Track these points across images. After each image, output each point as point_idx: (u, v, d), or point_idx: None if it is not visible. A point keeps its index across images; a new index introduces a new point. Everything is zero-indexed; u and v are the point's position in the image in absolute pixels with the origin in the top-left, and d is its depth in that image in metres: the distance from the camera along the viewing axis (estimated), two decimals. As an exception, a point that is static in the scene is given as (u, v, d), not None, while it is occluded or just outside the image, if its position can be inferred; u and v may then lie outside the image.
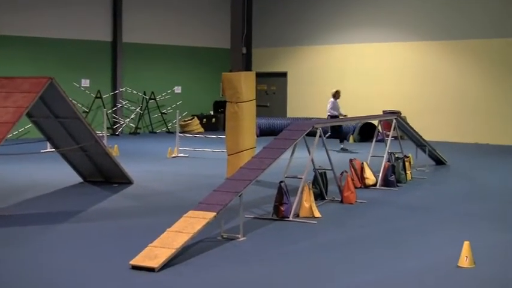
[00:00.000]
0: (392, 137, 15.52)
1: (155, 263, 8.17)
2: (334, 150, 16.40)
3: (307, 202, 11.29)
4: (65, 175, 15.05)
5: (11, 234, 10.22)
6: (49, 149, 17.96)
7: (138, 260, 8.29)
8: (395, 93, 26.70)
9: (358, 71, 27.86)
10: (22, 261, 8.73)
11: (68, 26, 26.18)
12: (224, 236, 9.77)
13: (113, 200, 13.00)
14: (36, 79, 12.63)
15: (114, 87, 27.66)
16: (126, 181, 14.53)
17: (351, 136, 24.87)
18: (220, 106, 29.26)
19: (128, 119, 27.92)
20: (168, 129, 28.57)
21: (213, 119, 29.84)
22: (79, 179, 14.85)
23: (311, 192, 11.41)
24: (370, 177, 14.39)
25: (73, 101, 13.29)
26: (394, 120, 15.85)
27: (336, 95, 21.75)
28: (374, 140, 15.78)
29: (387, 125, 16.84)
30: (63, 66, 25.60)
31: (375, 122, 19.33)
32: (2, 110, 11.94)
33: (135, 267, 8.20)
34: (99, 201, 12.80)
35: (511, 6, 24.30)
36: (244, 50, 28.97)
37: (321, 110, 27.84)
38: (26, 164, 17.16)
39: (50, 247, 9.48)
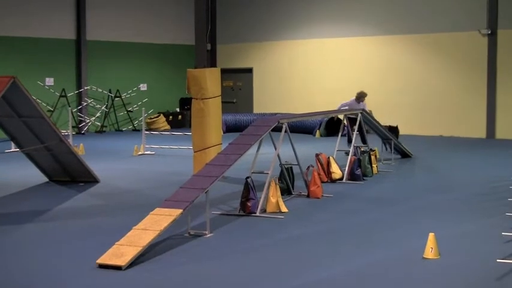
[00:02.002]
0: (357, 131, 15.60)
1: (122, 261, 8.14)
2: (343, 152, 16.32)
3: (273, 197, 11.32)
4: (30, 175, 14.94)
5: (-24, 235, 10.12)
6: (13, 148, 17.81)
7: (105, 259, 8.25)
8: (360, 87, 26.79)
9: (323, 66, 27.96)
10: (-13, 263, 8.66)
11: (31, 24, 25.92)
12: (191, 233, 9.77)
13: (79, 199, 12.93)
14: (-1, 78, 12.52)
15: (79, 85, 27.46)
16: (92, 180, 14.46)
17: (317, 131, 24.95)
18: (186, 103, 29.22)
19: (94, 118, 27.74)
20: (134, 127, 28.46)
21: (179, 116, 29.78)
22: (44, 179, 14.74)
23: (278, 187, 11.44)
24: (336, 171, 14.47)
25: (37, 100, 13.20)
26: (360, 115, 15.93)
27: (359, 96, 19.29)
28: (340, 134, 15.87)
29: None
30: (26, 65, 25.37)
31: (340, 117, 19.45)
32: (-36, 110, 11.82)
33: (102, 266, 8.17)
34: (65, 201, 12.72)
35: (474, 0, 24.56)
36: (208, 47, 29.00)
37: (287, 105, 28.02)
38: (-10, 165, 17.00)
39: (15, 247, 9.40)
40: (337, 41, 27.68)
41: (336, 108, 19.50)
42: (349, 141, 16.92)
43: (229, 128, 25.95)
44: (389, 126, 19.31)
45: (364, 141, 16.58)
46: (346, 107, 18.71)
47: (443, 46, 25.27)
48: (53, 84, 26.58)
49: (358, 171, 14.58)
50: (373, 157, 15.52)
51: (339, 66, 27.54)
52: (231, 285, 7.65)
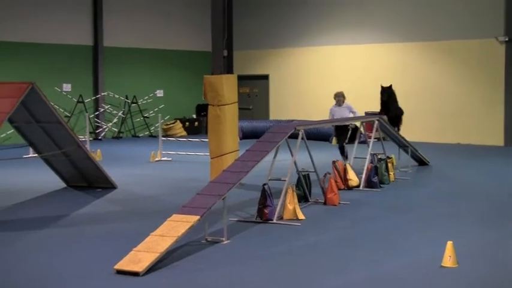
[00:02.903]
0: (374, 138, 15.57)
1: (139, 267, 8.16)
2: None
3: (290, 204, 11.32)
4: (48, 180, 15.00)
5: (-6, 240, 10.18)
6: (32, 154, 17.89)
7: (123, 265, 8.28)
8: (377, 95, 26.74)
9: (339, 73, 27.92)
10: (2, 268, 8.69)
11: (49, 30, 26.07)
12: (208, 239, 9.78)
13: (97, 205, 12.97)
14: (17, 84, 12.59)
15: (96, 91, 27.58)
16: (109, 186, 14.50)
17: (334, 138, 24.88)
18: (202, 109, 29.25)
19: (110, 124, 27.84)
20: (151, 133, 28.52)
21: (196, 123, 29.82)
22: (62, 184, 14.80)
23: (295, 194, 11.44)
24: (353, 178, 14.44)
25: (55, 105, 13.27)
26: (377, 122, 15.90)
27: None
28: (357, 141, 15.84)
29: (370, 127, 16.88)
30: (44, 71, 25.50)
31: (358, 124, 19.40)
32: (-17, 115, 11.89)
33: (120, 272, 8.19)
34: (83, 206, 12.77)
35: (492, 7, 24.44)
36: (225, 53, 29.01)
37: (302, 112, 27.99)
38: (8, 170, 17.09)
39: (33, 252, 9.44)
40: (353, 47, 27.64)
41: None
42: (342, 153, 16.77)
43: (246, 135, 25.95)
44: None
45: (341, 151, 16.73)
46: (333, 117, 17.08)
47: (459, 53, 25.17)
48: (70, 90, 26.70)
49: (375, 179, 14.55)
50: (390, 164, 15.47)
51: (355, 73, 27.49)
52: (248, 292, 7.65)
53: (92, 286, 7.86)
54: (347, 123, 16.75)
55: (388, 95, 17.79)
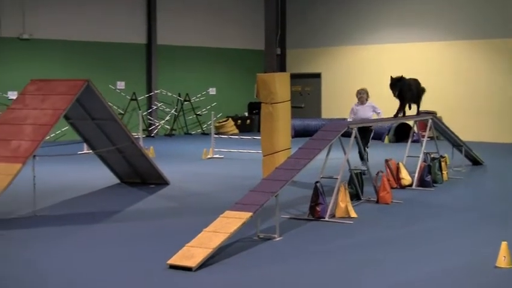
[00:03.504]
0: (428, 137, 15.43)
1: (192, 263, 8.22)
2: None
3: (343, 202, 11.29)
4: (102, 176, 15.19)
5: (49, 233, 10.35)
6: (86, 150, 18.14)
7: (176, 260, 8.35)
8: (430, 93, 26.43)
9: (392, 71, 27.64)
10: (58, 260, 8.85)
11: (103, 28, 26.41)
12: (260, 236, 9.81)
13: (150, 201, 13.11)
14: (73, 81, 12.79)
15: (149, 89, 27.84)
16: (162, 182, 14.62)
17: (386, 137, 24.77)
18: (254, 107, 29.31)
19: (163, 121, 28.08)
20: (203, 130, 28.68)
21: (248, 120, 29.90)
22: (116, 180, 14.98)
23: (347, 192, 11.40)
24: (405, 177, 14.33)
25: (108, 103, 13.42)
26: (430, 120, 15.75)
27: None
28: (409, 140, 15.70)
29: (423, 125, 16.73)
30: (98, 69, 25.81)
31: (410, 123, 19.24)
32: (40, 112, 12.10)
33: (173, 267, 8.26)
34: (136, 202, 12.91)
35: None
36: (278, 51, 29.01)
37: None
38: (63, 166, 17.35)
39: (87, 246, 9.59)
40: (405, 46, 27.41)
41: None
42: (361, 158, 14.55)
43: (298, 133, 25.91)
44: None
45: (361, 156, 14.47)
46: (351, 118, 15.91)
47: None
48: (124, 87, 27.01)
49: (428, 178, 14.42)
50: (443, 164, 15.32)
51: (407, 72, 27.15)
52: (300, 289, 7.66)
53: (145, 281, 7.94)
54: (369, 125, 15.42)
55: (399, 88, 15.14)
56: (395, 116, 15.27)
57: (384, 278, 8.02)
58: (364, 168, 13.77)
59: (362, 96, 16.11)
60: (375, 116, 15.86)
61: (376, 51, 28.20)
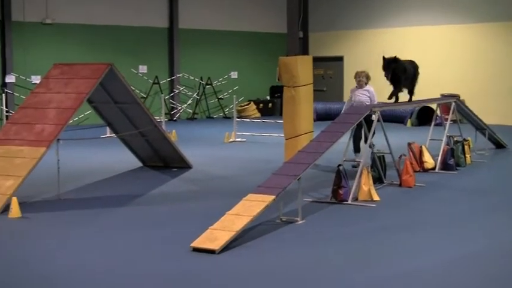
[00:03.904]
0: (451, 120, 15.36)
1: (216, 245, 8.26)
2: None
3: (365, 185, 11.28)
4: (125, 160, 15.26)
5: (73, 217, 10.43)
6: (109, 134, 18.22)
7: (199, 242, 8.40)
8: (453, 76, 26.39)
9: (414, 55, 27.51)
10: (82, 243, 8.93)
11: (125, 12, 26.45)
12: (283, 219, 9.83)
13: (173, 184, 13.16)
14: (96, 65, 12.83)
15: (171, 73, 27.88)
16: (185, 166, 14.67)
17: (409, 120, 24.65)
18: (276, 91, 29.27)
19: (185, 105, 28.13)
20: (225, 114, 28.70)
21: (270, 104, 29.87)
22: (139, 164, 15.05)
23: (370, 175, 11.39)
24: (428, 160, 14.28)
25: (131, 87, 13.46)
26: (454, 104, 15.67)
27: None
28: (432, 123, 15.63)
29: (446, 109, 16.65)
30: (120, 53, 25.86)
31: (433, 106, 19.15)
32: (63, 96, 12.17)
33: (196, 249, 8.31)
34: (159, 185, 12.97)
35: None
36: (300, 34, 28.91)
37: (377, 93, 27.71)
38: (86, 149, 17.44)
39: (110, 230, 9.65)
40: (428, 28, 27.21)
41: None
42: (357, 149, 14.10)
43: (320, 117, 25.84)
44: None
45: (356, 147, 13.98)
46: (352, 103, 14.60)
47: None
48: (146, 71, 27.06)
49: (451, 161, 14.36)
50: (466, 147, 15.24)
51: (430, 55, 27.09)
52: (321, 272, 7.66)
53: (169, 263, 7.99)
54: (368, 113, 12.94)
55: (391, 71, 13.65)
56: (390, 97, 14.08)
57: (406, 261, 8.01)
58: (358, 160, 12.61)
59: (361, 79, 14.76)
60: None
61: (399, 34, 28.03)
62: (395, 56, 13.81)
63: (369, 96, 14.55)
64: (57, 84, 12.48)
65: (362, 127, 13.01)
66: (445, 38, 26.77)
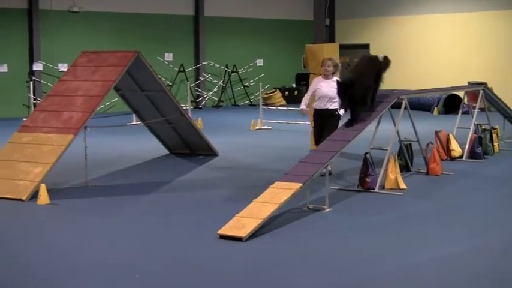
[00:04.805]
0: (479, 108, 15.23)
1: (243, 233, 8.27)
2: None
3: (392, 173, 11.23)
4: (151, 147, 15.32)
5: (100, 203, 10.50)
6: (135, 121, 18.29)
7: (226, 230, 8.41)
8: (481, 64, 26.17)
9: (441, 42, 27.37)
10: (111, 229, 8.99)
11: (151, 0, 26.50)
12: (310, 207, 9.82)
13: (199, 171, 13.19)
14: (123, 53, 12.87)
15: (197, 60, 27.91)
16: (211, 153, 14.70)
17: (435, 108, 24.49)
18: (302, 78, 29.20)
19: (211, 92, 28.16)
20: (251, 102, 28.69)
21: (295, 92, 29.80)
22: (165, 151, 15.09)
23: (397, 163, 11.34)
24: (456, 149, 14.19)
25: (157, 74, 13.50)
26: (481, 91, 15.53)
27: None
28: (460, 111, 15.52)
29: (473, 96, 16.52)
30: (146, 41, 25.92)
31: (460, 94, 19.01)
32: (90, 83, 12.23)
33: (223, 237, 8.32)
34: (186, 173, 13.01)
35: None
36: (327, 22, 28.79)
37: (402, 81, 27.55)
38: (113, 137, 17.54)
39: (137, 217, 9.70)
40: (455, 16, 27.00)
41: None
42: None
43: (346, 104, 25.75)
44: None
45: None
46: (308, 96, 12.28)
47: None
48: (172, 59, 27.12)
49: (479, 150, 14.26)
50: (494, 135, 15.12)
51: (458, 42, 26.90)
52: (349, 259, 7.65)
53: (196, 250, 8.01)
54: (331, 108, 11.90)
55: (349, 97, 10.97)
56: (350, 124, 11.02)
57: (433, 249, 7.97)
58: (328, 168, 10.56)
59: (327, 69, 12.07)
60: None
61: (426, 21, 27.84)
62: (351, 80, 11.01)
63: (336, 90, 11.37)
64: (85, 72, 12.54)
65: (327, 125, 11.71)
66: (473, 25, 26.55)
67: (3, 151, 11.65)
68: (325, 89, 11.96)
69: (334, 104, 11.81)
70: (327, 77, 12.11)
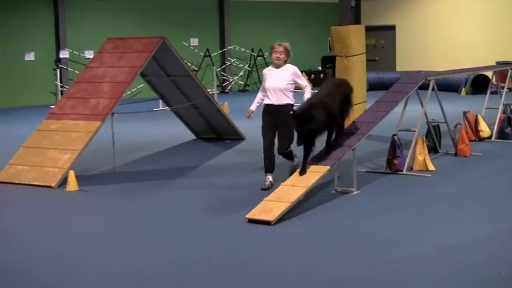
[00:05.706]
0: (507, 88, 15.07)
1: (271, 217, 8.27)
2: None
3: (420, 155, 11.17)
4: (178, 133, 15.36)
5: (129, 189, 10.56)
6: (162, 107, 18.32)
7: (254, 214, 8.42)
8: (508, 43, 25.89)
9: (468, 22, 27.10)
10: (140, 215, 9.03)
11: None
12: (338, 190, 9.79)
13: (226, 156, 13.21)
14: (149, 39, 12.88)
15: (222, 45, 27.89)
16: (238, 137, 14.71)
17: (463, 89, 24.28)
18: (328, 61, 29.06)
19: (237, 77, 28.14)
20: (276, 85, 28.57)
21: (321, 75, 29.68)
22: (192, 136, 15.13)
23: (425, 145, 11.27)
24: (484, 129, 14.07)
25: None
26: (510, 71, 15.35)
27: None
28: (488, 91, 15.36)
29: (502, 76, 16.34)
30: (171, 26, 25.91)
31: (488, 74, 18.83)
32: (117, 70, 12.26)
33: (251, 221, 8.33)
34: (213, 157, 13.04)
35: None
36: (352, 3, 28.59)
37: (429, 62, 27.39)
38: (140, 123, 17.59)
39: (165, 202, 9.74)
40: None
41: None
42: (288, 157, 10.51)
43: (372, 87, 25.61)
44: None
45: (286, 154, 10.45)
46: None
47: None
48: (197, 44, 27.12)
49: (508, 130, 14.12)
50: (523, 115, 14.97)
51: (485, 21, 26.63)
52: (377, 242, 7.62)
53: (225, 234, 8.03)
54: (285, 103, 10.07)
55: (307, 132, 9.22)
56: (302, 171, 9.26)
57: (463, 231, 7.92)
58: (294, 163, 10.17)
59: (278, 56, 10.13)
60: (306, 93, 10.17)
61: (452, 2, 27.57)
62: (310, 111, 9.19)
63: (290, 81, 10.09)
64: (111, 58, 12.58)
65: (277, 124, 10.24)
66: (497, 6, 26.26)
67: (31, 138, 11.74)
68: (277, 80, 10.08)
69: (289, 99, 10.04)
70: (277, 66, 10.20)
